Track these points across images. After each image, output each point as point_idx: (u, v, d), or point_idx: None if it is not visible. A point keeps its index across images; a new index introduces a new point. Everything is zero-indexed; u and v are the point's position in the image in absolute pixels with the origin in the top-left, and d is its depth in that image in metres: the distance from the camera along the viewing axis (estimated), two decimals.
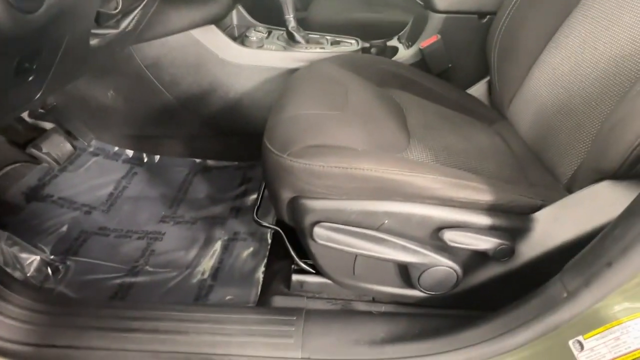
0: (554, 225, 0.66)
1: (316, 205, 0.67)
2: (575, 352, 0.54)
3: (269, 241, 0.98)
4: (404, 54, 1.16)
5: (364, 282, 0.74)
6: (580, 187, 0.67)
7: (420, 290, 0.70)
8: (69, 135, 1.21)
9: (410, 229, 0.66)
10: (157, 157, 1.30)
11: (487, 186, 0.66)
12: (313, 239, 0.67)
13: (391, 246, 0.66)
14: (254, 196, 1.17)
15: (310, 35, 1.24)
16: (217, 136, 1.28)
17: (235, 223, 1.08)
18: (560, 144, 0.80)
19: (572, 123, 0.78)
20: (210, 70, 1.12)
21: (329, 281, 0.77)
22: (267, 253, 0.95)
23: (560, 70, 0.86)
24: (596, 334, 0.52)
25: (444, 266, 0.67)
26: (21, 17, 0.46)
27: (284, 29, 1.20)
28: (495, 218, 0.66)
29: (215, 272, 0.95)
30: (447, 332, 0.64)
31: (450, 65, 1.11)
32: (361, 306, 0.77)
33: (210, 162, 1.30)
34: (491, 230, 0.66)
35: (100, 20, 0.76)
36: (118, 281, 0.90)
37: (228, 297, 0.88)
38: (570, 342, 0.54)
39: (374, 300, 0.78)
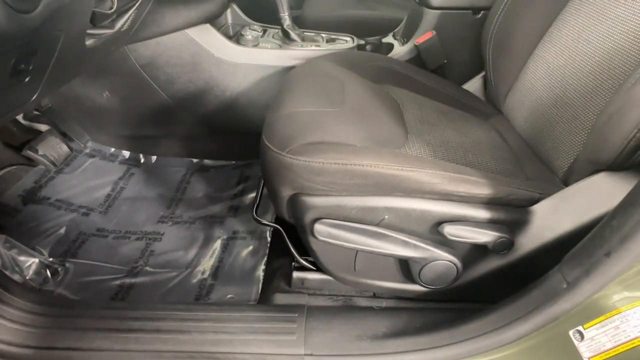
0: (553, 218, 0.66)
1: (316, 201, 0.67)
2: (576, 342, 0.54)
3: (269, 239, 0.98)
4: (400, 50, 1.16)
5: (365, 277, 0.74)
6: (577, 180, 0.68)
7: (421, 285, 0.70)
8: (65, 136, 1.20)
9: (410, 224, 0.67)
10: (154, 158, 1.30)
11: (486, 180, 0.67)
12: (314, 236, 0.67)
13: (392, 241, 0.66)
14: (252, 195, 1.17)
15: (305, 33, 1.24)
16: (213, 135, 1.28)
17: (234, 222, 1.08)
18: (556, 137, 0.81)
19: (567, 116, 0.79)
20: (206, 69, 1.12)
21: (329, 277, 0.77)
22: (267, 251, 0.95)
23: (555, 64, 0.87)
24: (596, 323, 0.53)
25: (444, 260, 0.67)
26: (17, 16, 0.46)
27: (279, 27, 1.20)
28: (494, 211, 0.66)
29: (216, 271, 0.95)
30: (448, 326, 0.65)
31: (445, 61, 1.12)
32: (362, 302, 0.78)
33: (207, 162, 1.30)
34: (490, 224, 0.66)
35: (95, 20, 0.75)
36: (118, 282, 0.90)
37: (229, 296, 0.88)
38: (571, 332, 0.55)
39: (374, 296, 0.79)
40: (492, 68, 1.04)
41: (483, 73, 1.09)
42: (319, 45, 1.20)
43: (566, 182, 0.74)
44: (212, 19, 1.11)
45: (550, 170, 0.80)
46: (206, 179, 1.25)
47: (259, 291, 0.86)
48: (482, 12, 1.08)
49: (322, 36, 1.25)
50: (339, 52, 1.11)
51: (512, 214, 0.67)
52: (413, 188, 0.64)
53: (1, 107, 0.61)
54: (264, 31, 1.27)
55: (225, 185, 1.22)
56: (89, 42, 0.75)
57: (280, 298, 0.77)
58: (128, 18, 0.84)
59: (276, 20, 1.20)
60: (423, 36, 1.08)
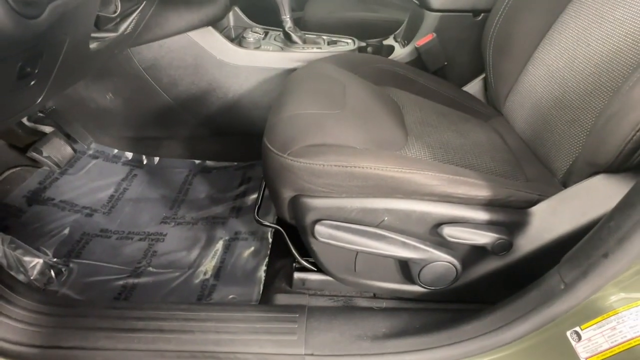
0: (551, 219, 0.67)
1: (317, 203, 0.68)
2: (573, 343, 0.55)
3: (270, 240, 0.99)
4: (400, 52, 1.17)
5: (365, 278, 0.75)
6: (576, 181, 0.69)
7: (421, 286, 0.71)
8: (69, 138, 1.21)
9: (409, 226, 0.67)
10: (157, 159, 1.31)
11: (485, 182, 0.67)
12: (315, 237, 0.68)
13: (391, 243, 0.67)
14: (254, 196, 1.18)
15: (307, 36, 1.25)
16: (216, 137, 1.29)
17: (236, 223, 1.09)
18: (556, 139, 0.81)
19: (567, 118, 0.80)
20: (208, 71, 1.13)
21: (330, 278, 0.78)
22: (269, 252, 0.96)
23: (555, 66, 0.87)
24: (593, 324, 0.54)
25: (444, 261, 0.68)
26: (24, 22, 0.47)
27: (281, 29, 1.21)
28: (493, 213, 0.67)
29: (218, 271, 0.96)
30: (447, 326, 0.66)
31: (446, 63, 1.13)
32: (362, 302, 0.78)
33: (209, 163, 1.31)
34: (489, 225, 0.67)
35: (99, 24, 0.77)
36: (121, 282, 0.91)
37: (231, 296, 0.89)
38: (568, 333, 0.55)
39: (375, 296, 0.79)
40: (492, 70, 1.05)
41: (483, 75, 1.10)
42: (320, 48, 1.21)
43: (565, 184, 0.74)
44: (215, 22, 1.12)
45: (550, 172, 0.81)
46: (208, 180, 1.26)
47: (261, 291, 0.87)
48: (482, 14, 1.08)
49: (323, 38, 1.25)
50: (340, 54, 1.12)
51: (511, 215, 0.68)
52: (412, 190, 0.65)
53: (7, 109, 0.62)
54: (266, 33, 1.28)
55: (228, 186, 1.23)
56: (92, 45, 0.76)
57: (281, 298, 0.78)
58: (131, 21, 0.85)
59: (278, 23, 1.21)
60: (424, 38, 1.09)
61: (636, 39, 0.71)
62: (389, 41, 1.27)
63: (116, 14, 0.77)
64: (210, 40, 1.10)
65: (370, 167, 0.64)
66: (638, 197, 0.52)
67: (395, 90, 1.00)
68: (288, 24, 1.19)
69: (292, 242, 0.80)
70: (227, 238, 1.04)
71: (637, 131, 0.57)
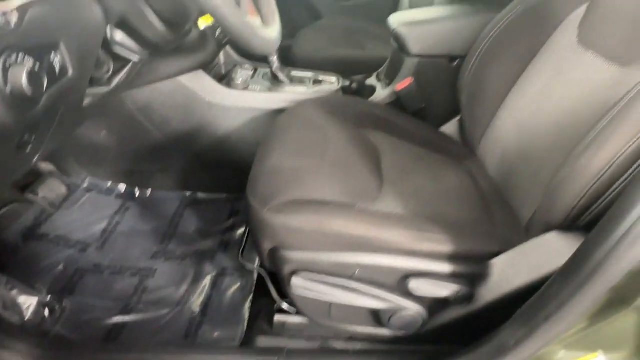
0: (510, 272, 0.72)
1: (293, 256, 0.73)
2: None
3: (255, 278, 1.04)
4: (381, 94, 1.23)
5: (340, 323, 0.80)
6: (536, 233, 0.74)
7: (391, 331, 0.76)
8: (63, 172, 1.26)
9: (379, 277, 0.73)
10: (149, 191, 1.36)
11: (449, 236, 0.73)
12: (291, 288, 0.73)
13: (362, 294, 0.72)
14: (242, 230, 1.23)
15: (293, 74, 1.31)
16: (206, 169, 1.34)
17: (224, 258, 1.14)
18: (521, 188, 0.87)
19: (531, 169, 0.85)
20: (198, 111, 1.18)
21: (308, 321, 0.83)
22: (253, 289, 1.01)
23: (522, 116, 0.93)
24: None
25: (411, 309, 0.73)
26: (22, 113, 0.52)
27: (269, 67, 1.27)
28: (456, 265, 0.72)
29: (205, 308, 1.00)
30: None
31: (424, 105, 1.18)
32: (339, 344, 0.83)
33: (200, 195, 1.36)
34: (452, 277, 0.72)
35: (92, 82, 0.82)
36: (112, 321, 0.95)
37: (216, 334, 0.93)
38: None
39: (350, 339, 0.85)
40: (466, 114, 1.10)
41: (460, 116, 1.16)
42: (306, 87, 1.26)
43: (528, 232, 0.79)
44: (204, 66, 1.18)
45: (516, 218, 0.86)
46: (198, 212, 1.31)
47: (244, 330, 0.92)
48: (457, 60, 1.14)
49: (309, 77, 1.31)
50: (323, 97, 1.17)
51: (472, 267, 0.73)
52: (380, 246, 0.70)
53: (5, 175, 0.67)
54: (255, 70, 1.33)
55: (217, 219, 1.28)
56: (86, 101, 0.81)
57: (262, 341, 0.83)
58: (123, 75, 0.90)
59: (267, 58, 1.27)
60: (402, 82, 1.15)
61: (590, 102, 0.76)
62: (372, 80, 1.33)
63: (110, 74, 0.82)
64: (199, 83, 1.16)
65: (342, 226, 0.69)
66: (578, 262, 0.58)
67: (374, 133, 1.06)
68: (275, 64, 1.25)
69: (274, 284, 0.85)
70: (214, 274, 1.09)
71: (582, 198, 0.63)
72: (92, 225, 1.21)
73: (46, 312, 0.93)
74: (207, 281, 1.07)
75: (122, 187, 1.35)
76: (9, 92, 0.49)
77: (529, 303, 0.62)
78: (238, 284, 1.05)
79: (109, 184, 1.35)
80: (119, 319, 0.96)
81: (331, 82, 1.29)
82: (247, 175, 0.85)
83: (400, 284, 0.73)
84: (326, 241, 0.70)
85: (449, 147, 1.11)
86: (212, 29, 1.21)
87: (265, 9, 0.84)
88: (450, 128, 1.18)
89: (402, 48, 1.16)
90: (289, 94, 1.22)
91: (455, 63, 1.15)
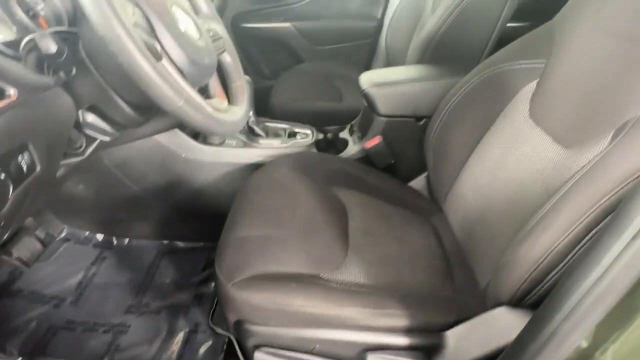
0: (464, 344, 0.75)
1: (257, 330, 0.76)
2: None
3: (225, 340, 1.05)
4: (352, 149, 1.28)
5: None
6: (490, 303, 0.78)
7: None
8: (40, 223, 1.27)
9: (338, 351, 0.76)
10: (127, 240, 1.38)
11: (407, 310, 0.76)
12: None
13: None
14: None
15: (269, 126, 1.35)
16: (183, 219, 1.37)
17: (198, 312, 1.15)
18: (480, 252, 0.91)
19: (488, 236, 0.89)
20: (175, 167, 1.22)
21: None
22: (224, 350, 1.03)
23: (482, 181, 0.97)
24: None
25: None
26: None
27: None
28: (413, 338, 0.75)
29: None
30: None
31: (393, 161, 1.23)
32: None
33: (177, 244, 1.38)
34: (409, 350, 0.75)
35: (66, 156, 0.85)
36: None
37: None
38: None
39: None
40: (432, 171, 1.15)
41: (427, 172, 1.20)
42: (281, 140, 1.30)
43: (485, 298, 0.83)
44: (179, 126, 1.21)
45: (476, 281, 0.90)
46: (175, 262, 1.33)
47: None
48: (424, 119, 1.20)
49: (284, 128, 1.36)
50: (296, 153, 1.21)
51: (428, 339, 0.76)
52: (339, 323, 0.73)
53: None
54: None
55: (192, 269, 1.30)
56: (60, 172, 0.84)
57: None
58: (97, 145, 0.93)
59: None
60: (371, 140, 1.20)
61: (536, 179, 0.80)
62: (345, 134, 1.38)
63: (83, 148, 0.85)
64: (175, 141, 1.19)
65: (301, 305, 0.72)
66: (525, 340, 0.61)
67: (343, 191, 1.09)
68: (251, 118, 1.29)
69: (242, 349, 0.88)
70: (187, 330, 1.10)
71: (523, 283, 0.67)
72: (67, 278, 1.23)
73: None
74: (179, 338, 1.09)
75: (100, 236, 1.37)
76: None
77: None
78: (210, 343, 1.07)
79: (87, 233, 1.36)
80: None
81: (306, 135, 1.34)
82: (222, 224, 0.88)
83: (359, 357, 0.76)
84: (287, 318, 0.73)
85: (417, 203, 1.16)
86: None
87: (235, 88, 0.88)
88: (419, 183, 1.23)
89: (371, 107, 1.21)
90: (264, 149, 1.26)
91: (422, 122, 1.20)
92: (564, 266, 0.65)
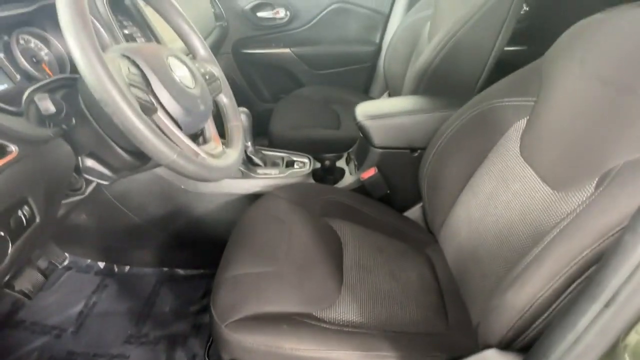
0: None
1: None
2: None
3: None
4: (348, 179, 1.29)
5: None
6: (481, 341, 0.78)
7: None
8: (42, 253, 1.30)
9: None
10: (127, 268, 1.40)
11: (396, 352, 0.77)
12: None
13: None
14: None
15: (267, 155, 1.38)
16: (183, 247, 1.39)
17: (195, 343, 1.17)
18: (472, 288, 0.91)
19: (480, 272, 0.90)
20: (174, 198, 1.24)
21: None
22: None
23: (475, 216, 0.98)
24: None
25: None
26: None
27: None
28: None
29: None
30: None
31: (388, 191, 1.25)
32: None
33: (177, 271, 1.40)
34: None
35: (67, 196, 0.87)
36: None
37: None
38: None
39: None
40: (427, 202, 1.16)
41: (422, 202, 1.22)
42: (278, 169, 1.32)
43: (476, 336, 0.84)
44: None
45: (468, 316, 0.91)
46: (174, 289, 1.35)
47: None
48: (418, 150, 1.21)
49: (282, 157, 1.38)
50: (293, 184, 1.23)
51: None
52: None
53: None
54: None
55: (192, 297, 1.31)
56: (60, 212, 0.87)
57: None
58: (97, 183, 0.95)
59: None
60: (367, 172, 1.22)
61: (525, 220, 0.81)
62: (342, 163, 1.40)
63: (83, 188, 0.88)
64: (174, 173, 1.22)
65: (292, 348, 0.73)
66: None
67: (340, 223, 1.11)
68: (249, 148, 1.32)
69: None
70: None
71: (510, 330, 0.68)
72: (69, 308, 1.25)
73: None
74: None
75: (101, 264, 1.39)
76: None
77: None
78: None
79: (88, 261, 1.39)
80: None
81: (303, 164, 1.36)
82: (222, 251, 0.89)
83: None
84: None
85: (412, 233, 1.17)
86: None
87: (231, 128, 0.90)
88: (414, 213, 1.24)
89: (367, 140, 1.23)
90: (262, 179, 1.28)
91: (417, 153, 1.22)
92: (548, 315, 0.66)
